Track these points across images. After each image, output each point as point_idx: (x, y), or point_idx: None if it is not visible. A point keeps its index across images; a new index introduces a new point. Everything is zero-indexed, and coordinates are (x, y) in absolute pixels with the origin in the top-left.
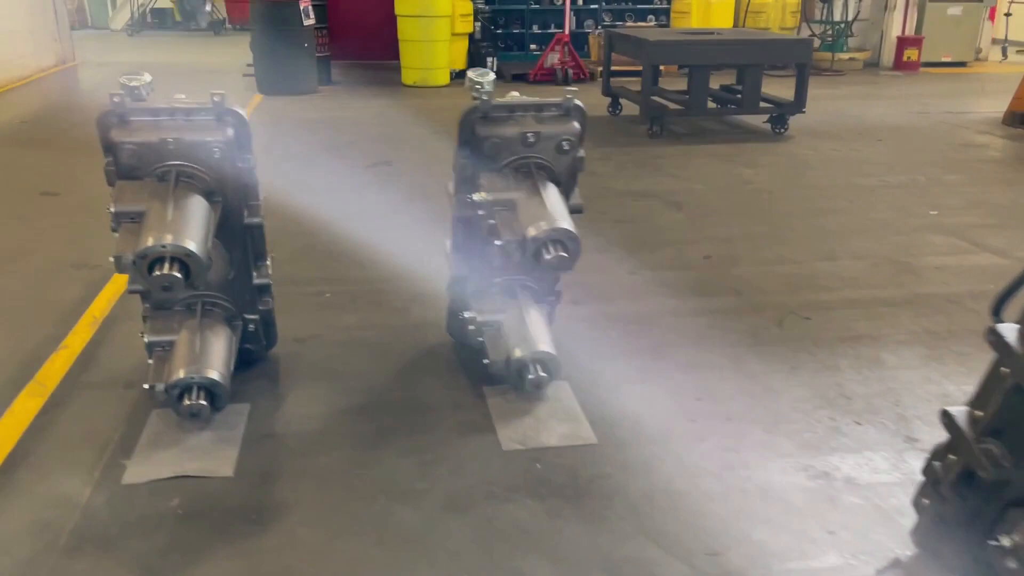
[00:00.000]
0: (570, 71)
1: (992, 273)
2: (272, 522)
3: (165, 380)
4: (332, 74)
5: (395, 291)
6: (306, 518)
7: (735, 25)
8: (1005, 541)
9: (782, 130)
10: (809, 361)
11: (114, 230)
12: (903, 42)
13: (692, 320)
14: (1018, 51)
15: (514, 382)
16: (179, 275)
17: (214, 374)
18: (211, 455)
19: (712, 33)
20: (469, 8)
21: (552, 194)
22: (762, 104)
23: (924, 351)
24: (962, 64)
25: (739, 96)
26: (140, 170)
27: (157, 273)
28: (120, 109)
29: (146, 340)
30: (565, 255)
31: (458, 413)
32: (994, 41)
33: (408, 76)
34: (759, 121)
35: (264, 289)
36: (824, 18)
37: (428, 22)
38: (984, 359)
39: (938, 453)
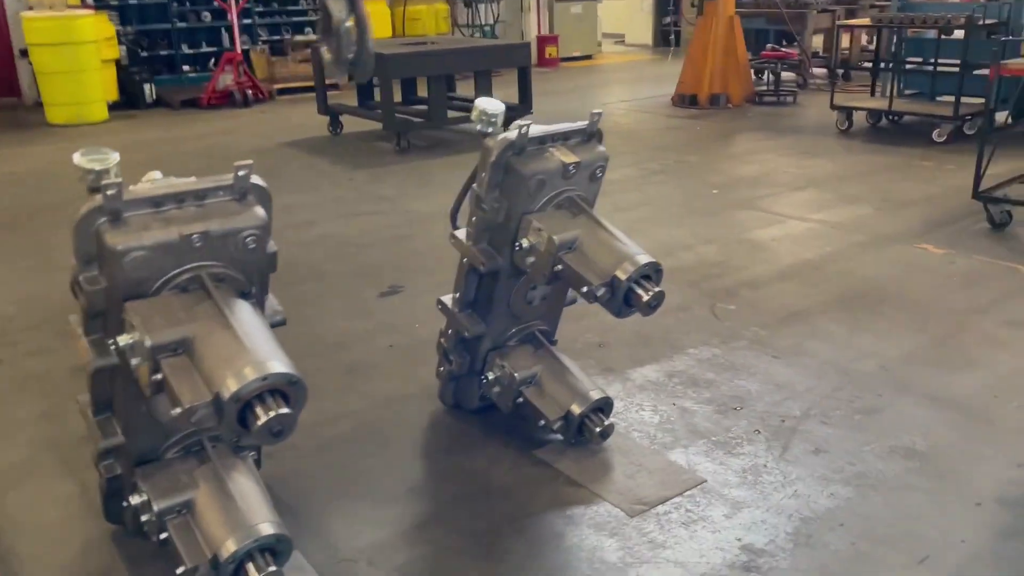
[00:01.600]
0: (249, 92)
1: (818, 234)
2: None
3: (208, 555)
4: None
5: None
6: None
7: (394, 34)
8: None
9: None
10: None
11: (154, 372)
12: (543, 40)
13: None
14: (615, 42)
15: (573, 437)
16: (289, 410)
17: (272, 527)
18: None
19: (426, 43)
20: (111, 31)
21: (613, 227)
22: None
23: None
24: (589, 57)
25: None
26: (147, 283)
27: (262, 418)
28: (113, 204)
29: (155, 509)
30: (660, 290)
31: (541, 490)
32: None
33: (55, 114)
34: None
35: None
36: (469, 22)
37: (72, 50)
38: None
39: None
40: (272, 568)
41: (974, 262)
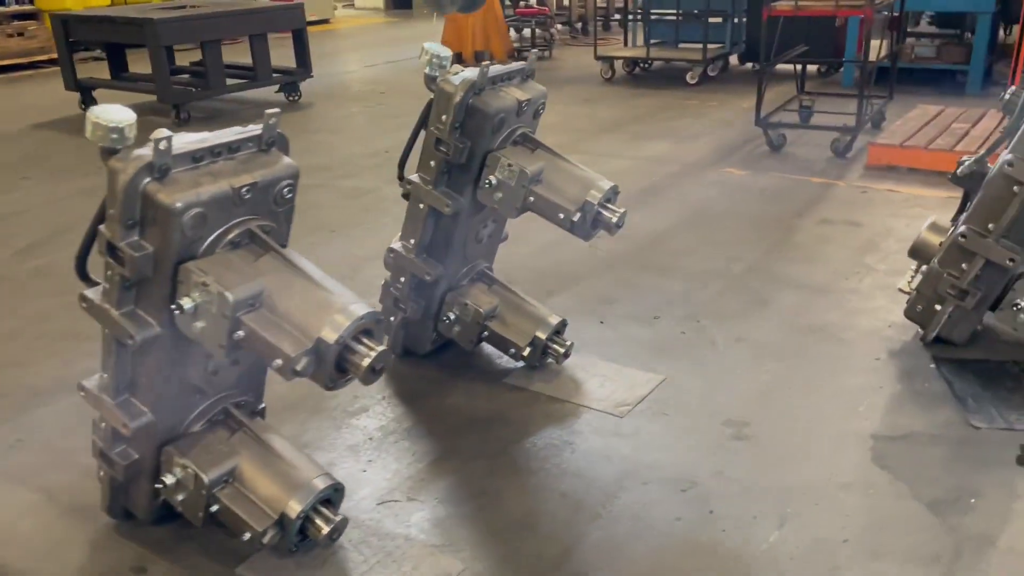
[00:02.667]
0: None
1: (640, 169)
2: None
3: (273, 517)
4: None
5: None
6: None
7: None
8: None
9: (296, 97)
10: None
11: (236, 329)
12: None
13: None
14: (345, 6)
15: (537, 361)
16: (384, 347)
17: (327, 479)
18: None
19: (185, 7)
20: None
21: (568, 157)
22: (275, 74)
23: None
24: (326, 21)
25: (252, 70)
26: (198, 242)
27: (366, 358)
28: (163, 160)
29: (206, 481)
30: (624, 210)
31: (530, 410)
32: None
33: None
34: (271, 93)
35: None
36: None
37: None
38: None
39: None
40: (339, 517)
41: (772, 178)
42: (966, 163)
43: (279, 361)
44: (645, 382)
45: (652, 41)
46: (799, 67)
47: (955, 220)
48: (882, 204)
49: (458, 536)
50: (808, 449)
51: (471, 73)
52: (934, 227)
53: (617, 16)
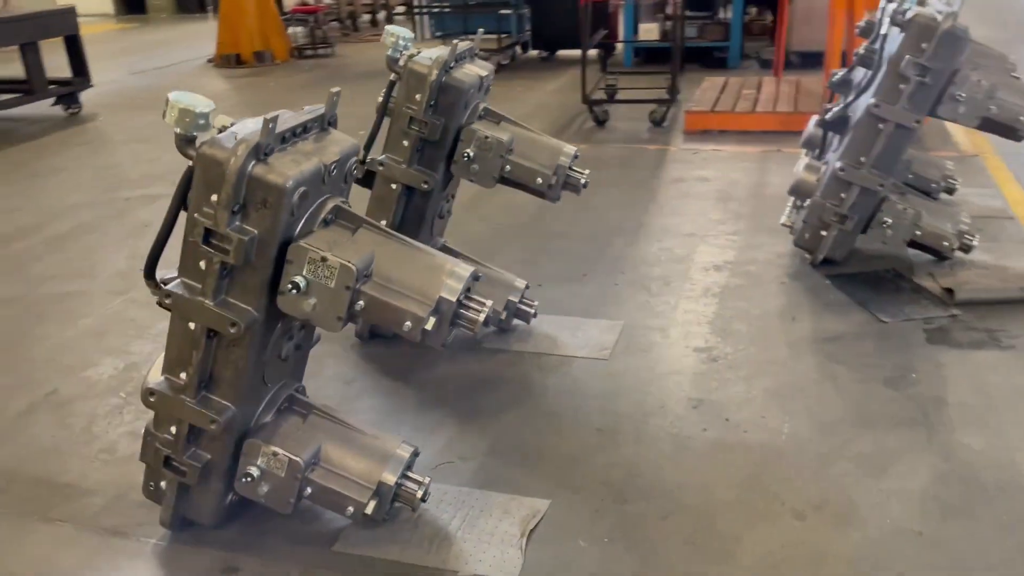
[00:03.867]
0: None
1: None
2: None
3: (371, 487)
4: None
5: None
6: None
7: None
8: None
9: (76, 110)
10: None
11: (356, 300)
12: None
13: None
14: None
15: (507, 324)
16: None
17: (407, 447)
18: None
19: None
20: None
21: (528, 126)
22: (51, 86)
23: None
24: None
25: (26, 83)
26: (296, 222)
27: (481, 312)
28: (270, 140)
29: (302, 463)
30: (588, 171)
31: (523, 368)
32: None
33: None
34: (47, 107)
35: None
36: None
37: None
38: None
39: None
40: (427, 479)
41: (614, 148)
42: (833, 110)
43: (408, 323)
44: (610, 328)
45: (438, 33)
46: (600, 51)
47: (818, 159)
48: (716, 161)
49: (524, 482)
50: (773, 357)
51: (439, 52)
52: (809, 167)
53: (399, 9)
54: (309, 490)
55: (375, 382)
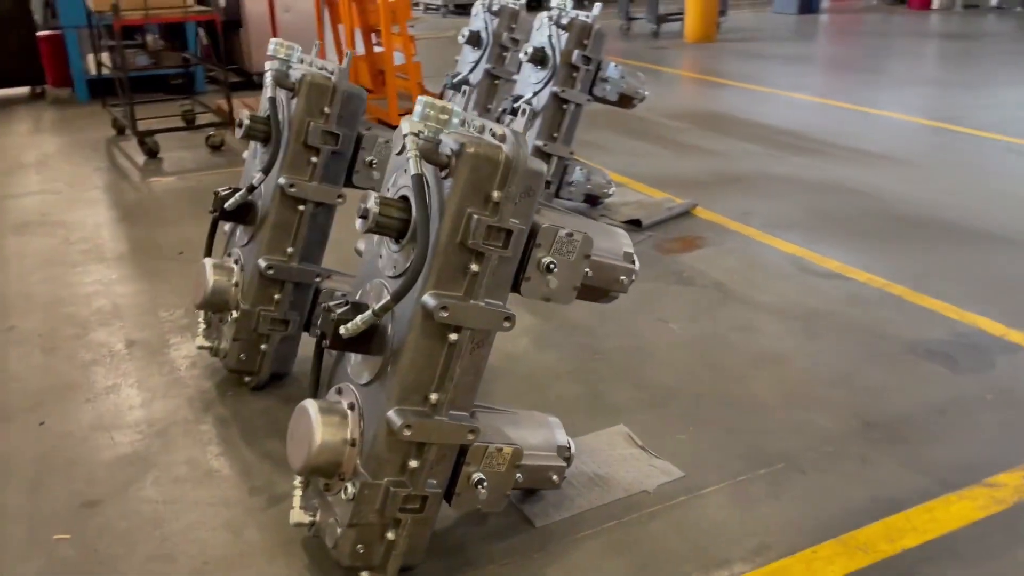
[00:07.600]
0: None
1: None
2: None
3: (561, 458)
4: None
5: None
6: None
7: None
8: None
9: None
10: None
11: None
12: None
13: None
14: None
15: None
16: None
17: (549, 415)
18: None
19: None
20: None
21: None
22: None
23: None
24: None
25: None
26: None
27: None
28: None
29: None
30: None
31: None
32: None
33: None
34: None
35: None
36: None
37: None
38: None
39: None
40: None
41: (200, 177)
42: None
43: (624, 278)
44: None
45: None
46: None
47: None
48: None
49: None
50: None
51: (328, 64)
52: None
53: None
54: (519, 476)
55: None
